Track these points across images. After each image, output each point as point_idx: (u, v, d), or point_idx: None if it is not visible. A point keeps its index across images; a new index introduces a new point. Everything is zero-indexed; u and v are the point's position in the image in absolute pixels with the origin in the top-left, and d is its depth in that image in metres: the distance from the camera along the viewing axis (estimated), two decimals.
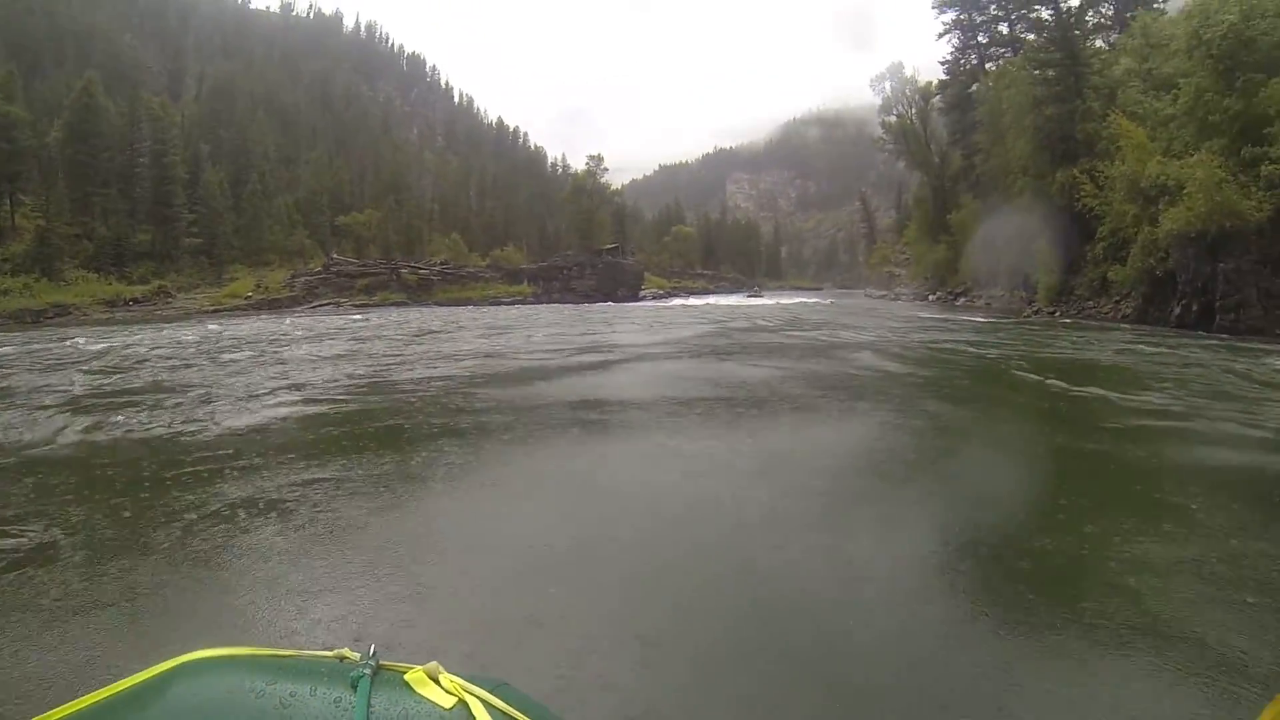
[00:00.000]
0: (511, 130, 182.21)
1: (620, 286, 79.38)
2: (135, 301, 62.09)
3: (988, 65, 56.94)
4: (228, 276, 73.52)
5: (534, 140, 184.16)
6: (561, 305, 64.55)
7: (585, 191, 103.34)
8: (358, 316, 46.93)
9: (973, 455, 8.80)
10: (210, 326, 34.72)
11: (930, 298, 62.30)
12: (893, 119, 71.09)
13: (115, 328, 36.43)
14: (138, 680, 1.07)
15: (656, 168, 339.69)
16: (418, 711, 1.05)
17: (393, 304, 66.57)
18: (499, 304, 67.26)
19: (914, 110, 69.76)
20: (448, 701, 1.08)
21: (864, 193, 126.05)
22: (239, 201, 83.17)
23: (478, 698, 1.11)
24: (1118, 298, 34.06)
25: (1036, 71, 41.70)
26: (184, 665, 1.11)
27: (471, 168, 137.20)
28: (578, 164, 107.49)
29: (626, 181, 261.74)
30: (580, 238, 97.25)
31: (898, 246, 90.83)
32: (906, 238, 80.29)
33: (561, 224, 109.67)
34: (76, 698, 1.01)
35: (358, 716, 1.02)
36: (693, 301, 71.96)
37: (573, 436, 9.34)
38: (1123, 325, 29.83)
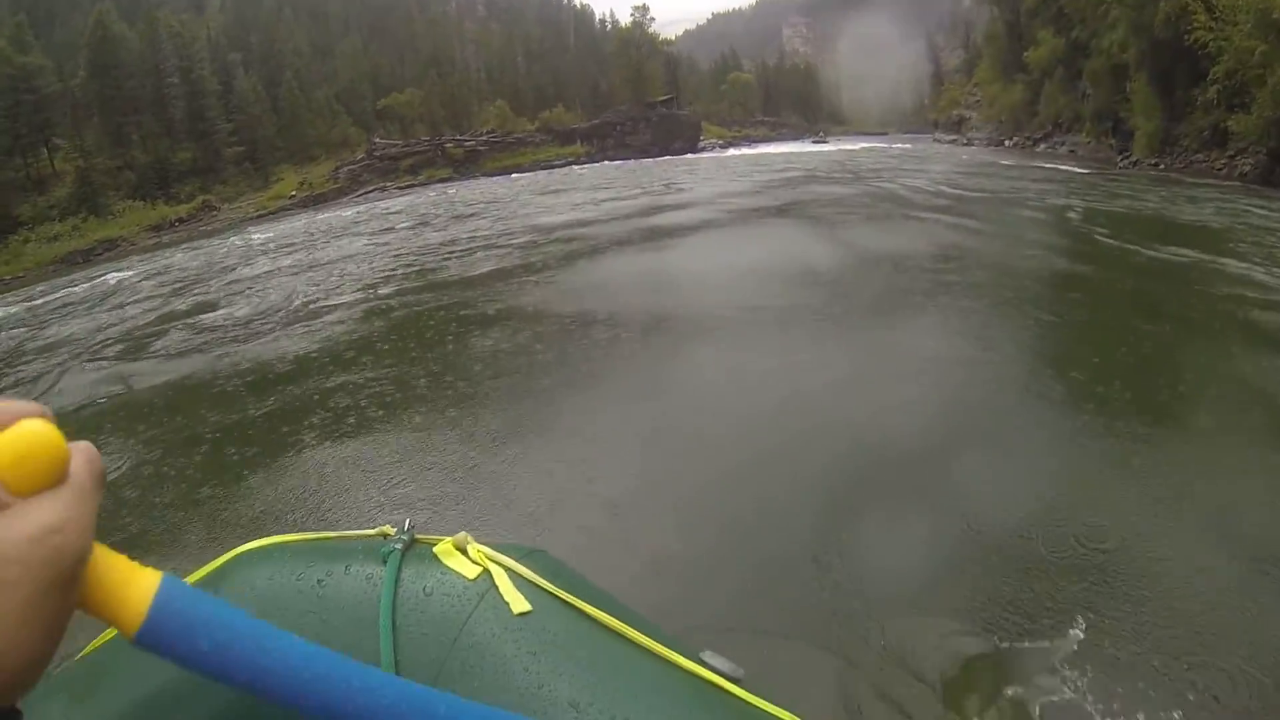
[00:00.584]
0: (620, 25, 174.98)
1: (677, 139, 75.23)
2: (181, 221, 60.56)
3: None
4: (274, 179, 71.58)
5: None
6: (617, 163, 60.93)
7: (633, 44, 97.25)
8: (397, 202, 44.32)
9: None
10: (253, 236, 34.26)
11: (1007, 143, 56.75)
12: None
13: (158, 253, 36.21)
14: (195, 578, 1.17)
15: (709, 16, 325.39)
16: (442, 581, 1.12)
17: (439, 180, 63.50)
18: (551, 167, 63.79)
19: None
20: (472, 571, 1.14)
21: (930, 31, 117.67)
22: (276, 103, 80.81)
23: (502, 566, 1.17)
24: (1234, 152, 29.03)
25: None
26: (238, 557, 1.20)
27: (515, 33, 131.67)
28: (625, 18, 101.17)
29: (680, 33, 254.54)
30: (633, 92, 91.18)
31: (967, 89, 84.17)
32: (977, 78, 74.26)
33: (615, 81, 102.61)
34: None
35: (384, 590, 1.09)
36: (754, 150, 67.61)
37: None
38: (1248, 185, 24.96)
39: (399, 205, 39.56)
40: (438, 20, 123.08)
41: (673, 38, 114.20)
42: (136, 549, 3.28)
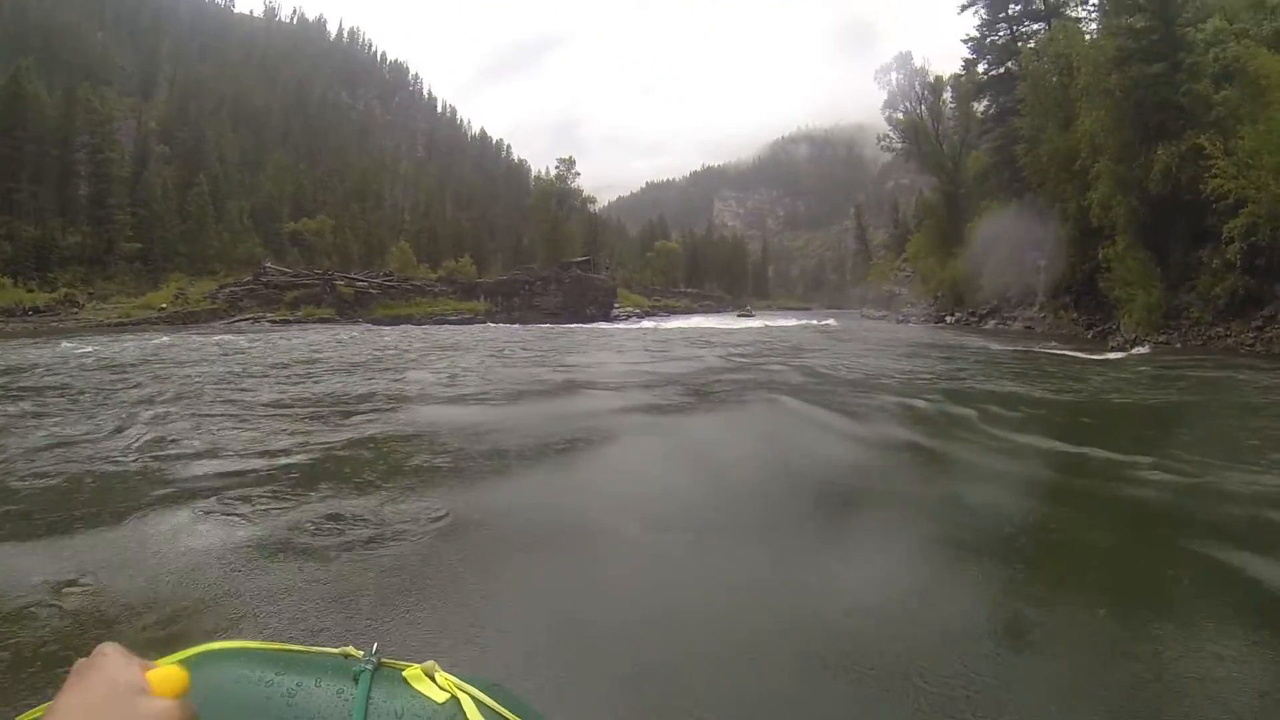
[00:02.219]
0: (495, 142, 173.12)
1: (589, 304, 67.67)
2: (35, 311, 52.54)
3: (1020, 44, 45.86)
4: (163, 285, 63.32)
5: (518, 154, 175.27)
6: (516, 326, 53.53)
7: (553, 197, 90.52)
8: (267, 338, 36.45)
9: None
10: (75, 348, 25.63)
11: (948, 319, 50.88)
12: (899, 115, 59.91)
13: None
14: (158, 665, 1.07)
15: (644, 185, 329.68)
16: (413, 705, 1.10)
17: (317, 320, 55.58)
18: (444, 322, 56.03)
19: (924, 106, 58.66)
20: (441, 697, 1.12)
21: (858, 206, 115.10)
22: (183, 206, 73.99)
23: (470, 695, 1.15)
24: (1261, 321, 22.93)
25: (1118, 20, 30.19)
26: (202, 655, 1.15)
27: (448, 178, 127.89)
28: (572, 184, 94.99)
29: (614, 199, 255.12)
30: (548, 249, 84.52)
31: (896, 264, 79.53)
32: (910, 252, 69.40)
33: (534, 235, 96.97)
34: None
35: (357, 707, 1.06)
36: (670, 324, 60.17)
37: None
38: None
39: (264, 342, 32.05)
40: (371, 152, 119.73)
41: (596, 199, 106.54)
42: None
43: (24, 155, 61.34)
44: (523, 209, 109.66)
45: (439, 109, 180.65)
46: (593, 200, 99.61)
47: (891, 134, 60.12)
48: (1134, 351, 23.93)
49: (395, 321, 55.48)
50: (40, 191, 62.54)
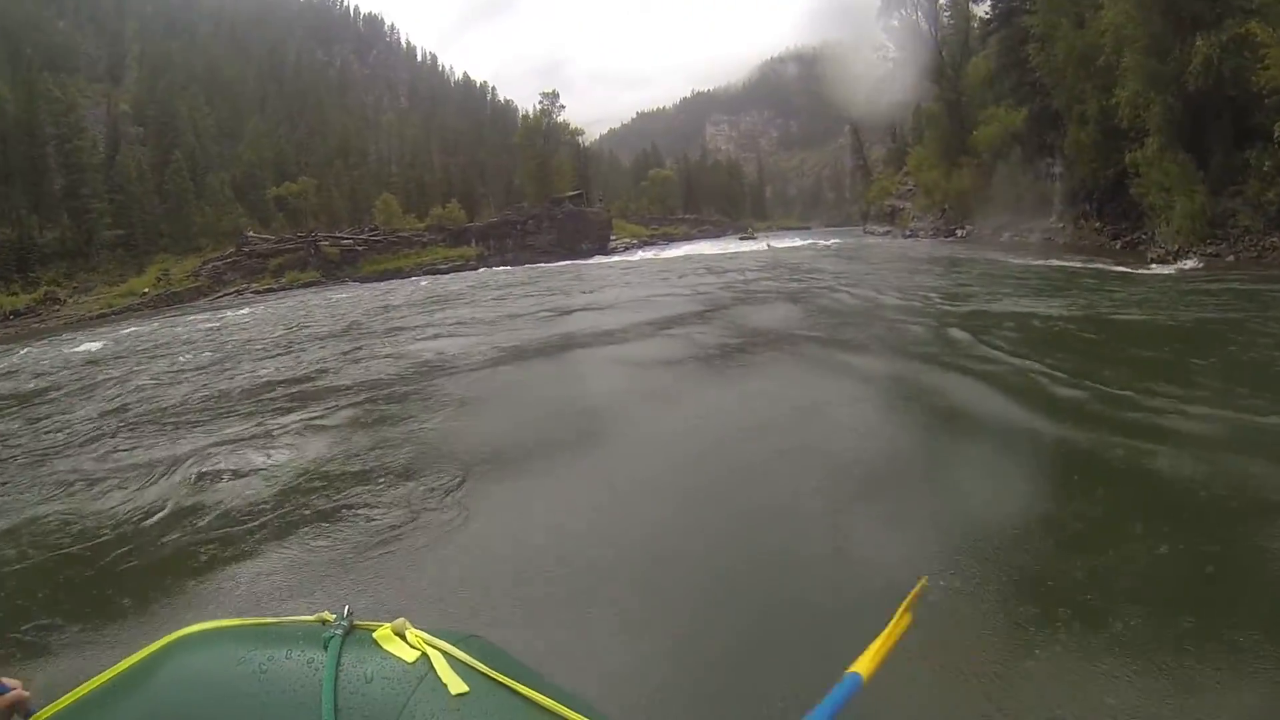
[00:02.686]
0: (479, 85, 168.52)
1: (584, 239, 65.33)
2: (16, 314, 51.01)
3: None
4: (149, 268, 61.30)
5: (504, 95, 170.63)
6: (510, 268, 51.32)
7: (539, 134, 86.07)
8: (244, 311, 34.37)
9: None
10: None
11: (958, 233, 48.22)
12: (895, 23, 56.47)
13: None
14: (133, 661, 1.16)
15: (634, 115, 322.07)
16: (382, 667, 1.11)
17: (303, 285, 53.56)
18: (435, 271, 53.95)
19: (920, 11, 55.23)
20: (411, 655, 1.14)
21: (854, 123, 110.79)
22: (161, 185, 71.07)
23: (440, 651, 1.17)
24: None
25: None
26: (174, 642, 1.18)
27: (432, 125, 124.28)
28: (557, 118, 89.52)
29: (605, 131, 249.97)
30: (538, 187, 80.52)
31: (897, 179, 76.22)
32: (911, 165, 66.36)
33: (522, 175, 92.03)
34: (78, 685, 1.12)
35: (326, 675, 1.07)
36: (671, 252, 57.57)
37: None
38: None
39: (244, 316, 30.05)
40: (351, 108, 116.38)
41: (585, 131, 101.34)
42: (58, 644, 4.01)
43: None
44: (511, 150, 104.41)
45: (419, 58, 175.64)
46: (580, 133, 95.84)
47: (888, 43, 56.83)
48: (1183, 266, 21.31)
49: (384, 277, 53.62)
50: (11, 191, 60.25)
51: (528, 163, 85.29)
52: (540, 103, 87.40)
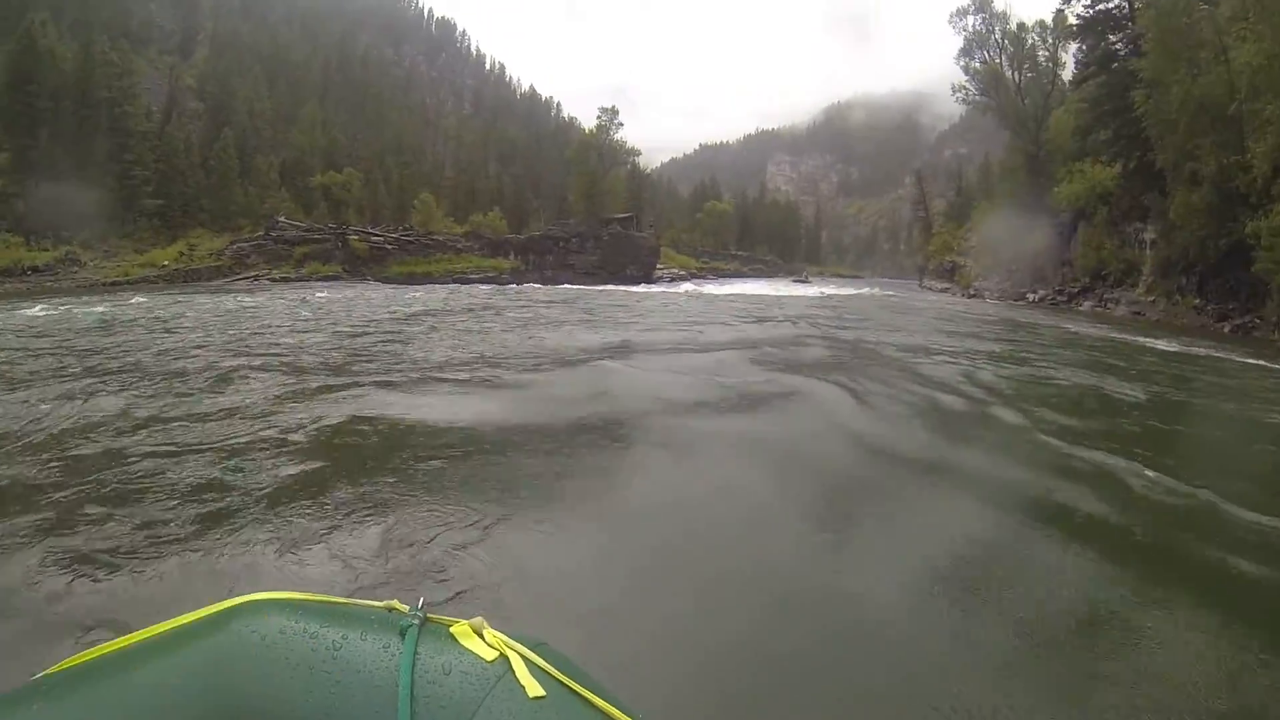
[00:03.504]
0: (545, 99, 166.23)
1: (630, 264, 61.14)
2: (34, 270, 48.73)
3: None
4: (178, 242, 58.56)
5: (568, 112, 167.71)
6: (544, 286, 47.44)
7: (594, 149, 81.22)
8: (252, 299, 30.73)
9: None
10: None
11: (1030, 297, 43.74)
12: (977, 64, 52.30)
13: None
14: (201, 615, 1.15)
15: (697, 147, 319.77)
16: (461, 662, 1.10)
17: (323, 278, 50.22)
18: (466, 280, 50.25)
19: (1004, 55, 51.07)
20: (490, 655, 1.11)
21: (919, 171, 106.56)
22: (207, 160, 68.68)
23: (519, 654, 1.14)
24: None
25: None
26: (245, 605, 1.16)
27: (491, 133, 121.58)
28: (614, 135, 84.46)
29: (665, 160, 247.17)
30: (588, 205, 75.92)
31: (960, 233, 71.83)
32: (976, 220, 62.17)
33: (574, 191, 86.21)
34: (144, 627, 1.10)
35: (404, 662, 1.06)
36: (718, 288, 53.43)
37: None
38: None
39: (249, 303, 26.79)
40: (412, 107, 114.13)
41: (641, 152, 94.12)
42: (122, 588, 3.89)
43: (37, 111, 57.18)
44: (568, 165, 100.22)
45: (487, 66, 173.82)
46: (637, 153, 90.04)
47: (968, 84, 52.72)
48: None
49: (411, 280, 49.67)
50: (55, 148, 57.74)
51: (580, 179, 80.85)
52: (599, 118, 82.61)
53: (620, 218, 68.59)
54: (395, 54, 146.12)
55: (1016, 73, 50.66)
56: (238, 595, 1.14)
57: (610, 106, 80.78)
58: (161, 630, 1.07)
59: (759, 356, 13.73)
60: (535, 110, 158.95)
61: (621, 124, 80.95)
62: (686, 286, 54.42)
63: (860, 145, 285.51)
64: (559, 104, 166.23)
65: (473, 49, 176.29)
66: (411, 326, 18.12)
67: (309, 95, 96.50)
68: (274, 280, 49.20)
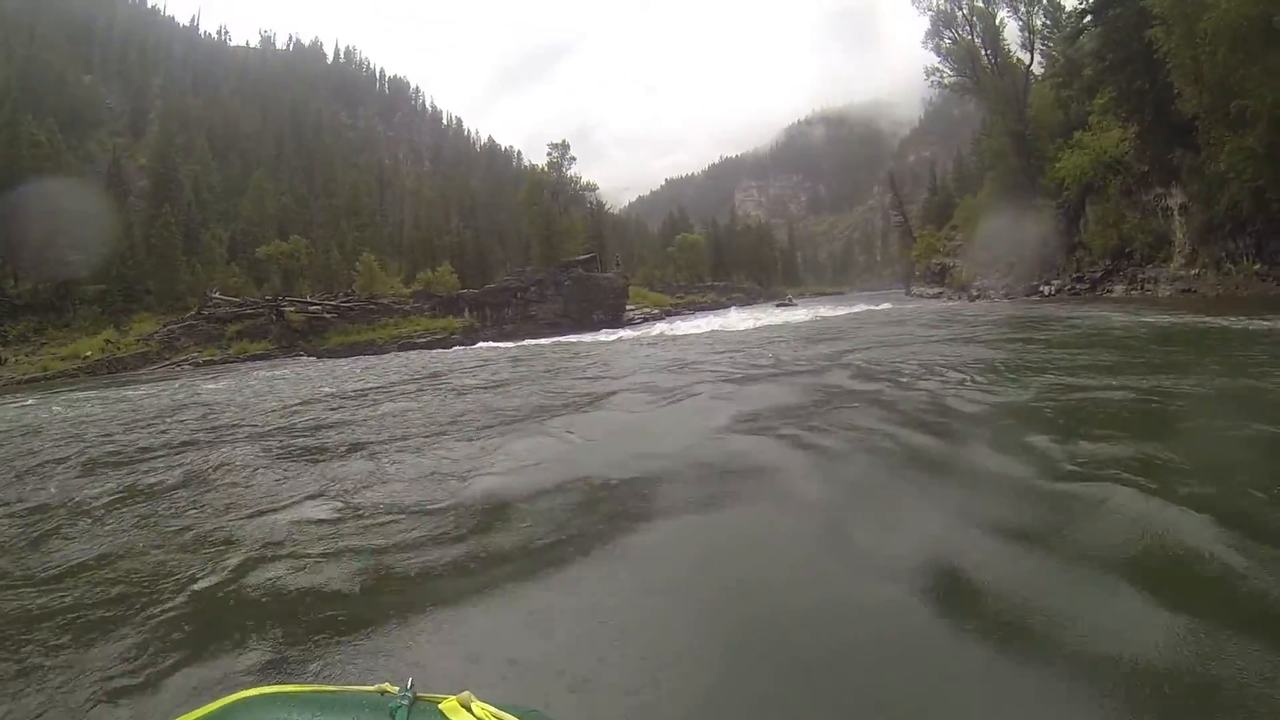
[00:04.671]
0: (505, 150, 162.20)
1: (595, 309, 54.70)
2: None
3: None
4: (105, 331, 53.41)
5: (529, 160, 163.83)
6: (500, 344, 40.76)
7: (546, 188, 73.30)
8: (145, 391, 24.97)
9: None
10: None
11: (1043, 290, 37.72)
12: (946, 43, 46.84)
13: None
14: (195, 717, 1.11)
15: (663, 182, 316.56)
16: None
17: (251, 357, 44.45)
18: (411, 346, 44.21)
19: (978, 29, 45.58)
20: None
21: (892, 174, 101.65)
22: (148, 239, 65.21)
23: None
24: None
25: None
26: (237, 703, 1.14)
27: (452, 189, 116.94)
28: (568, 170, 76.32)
29: (634, 198, 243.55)
30: (544, 249, 68.48)
31: (942, 233, 66.23)
32: (961, 216, 56.99)
33: (530, 236, 78.84)
34: None
35: None
36: (692, 325, 44.01)
37: None
38: None
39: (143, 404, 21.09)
40: (366, 167, 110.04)
41: (598, 186, 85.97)
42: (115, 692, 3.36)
43: None
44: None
45: (444, 121, 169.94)
46: (594, 188, 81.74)
47: (941, 66, 47.39)
48: None
49: (353, 351, 43.43)
50: None
51: (534, 222, 72.87)
52: (549, 154, 75.11)
53: (581, 259, 62.52)
54: (350, 117, 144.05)
55: (991, 50, 45.40)
56: (228, 694, 1.12)
57: (561, 141, 73.57)
58: None
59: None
60: (495, 161, 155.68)
61: (574, 158, 73.65)
62: (660, 328, 46.95)
63: (825, 161, 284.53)
64: (519, 152, 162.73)
65: (428, 104, 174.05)
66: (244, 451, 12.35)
67: (262, 164, 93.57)
68: (197, 365, 43.60)
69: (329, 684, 1.20)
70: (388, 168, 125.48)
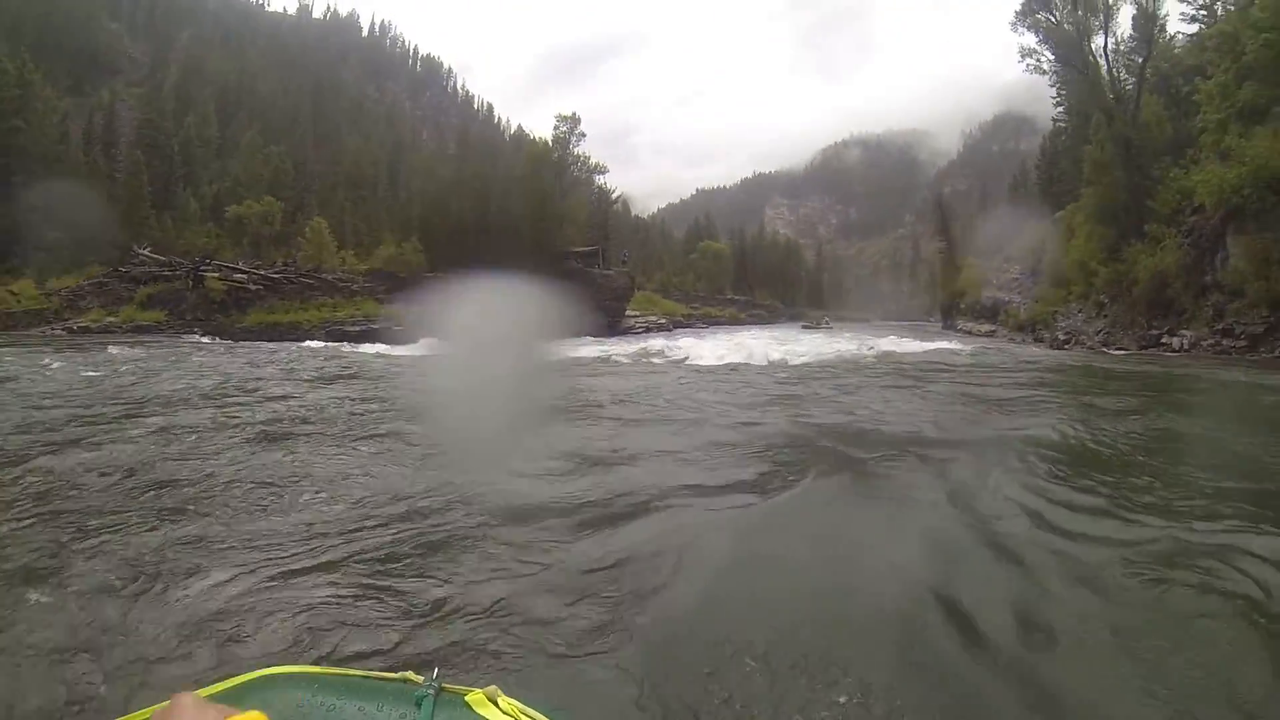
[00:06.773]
0: (535, 140, 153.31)
1: (592, 310, 44.33)
2: None
3: None
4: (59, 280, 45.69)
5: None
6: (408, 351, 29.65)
7: (547, 166, 61.46)
8: None
9: None
10: None
11: (1175, 343, 25.81)
12: (1042, 19, 36.06)
13: None
14: (218, 689, 1.13)
15: (694, 192, 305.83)
16: None
17: (135, 328, 34.96)
18: (344, 335, 34.11)
19: (1081, 10, 35.08)
20: None
21: (940, 197, 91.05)
22: (111, 191, 58.47)
23: None
24: None
25: None
26: (261, 679, 1.15)
27: (465, 172, 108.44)
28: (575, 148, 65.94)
29: (663, 205, 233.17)
30: (536, 234, 54.53)
31: (995, 262, 55.49)
32: (1036, 241, 46.65)
33: (527, 219, 60.50)
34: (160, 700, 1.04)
35: None
36: (694, 348, 29.50)
37: None
38: None
39: None
40: (381, 141, 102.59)
41: (608, 169, 74.10)
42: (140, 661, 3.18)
43: None
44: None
45: (475, 106, 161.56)
46: (603, 170, 69.20)
47: (1037, 46, 36.72)
48: None
49: (271, 334, 33.32)
50: None
51: (529, 199, 59.95)
52: (556, 128, 64.47)
53: (581, 252, 51.89)
54: (378, 91, 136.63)
55: (1094, 35, 34.85)
56: (254, 669, 1.12)
57: (570, 114, 63.66)
58: None
59: None
60: (522, 150, 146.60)
61: (584, 134, 63.79)
62: (655, 341, 36.07)
63: (858, 185, 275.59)
64: (547, 143, 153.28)
65: (459, 88, 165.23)
66: None
67: (270, 126, 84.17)
68: (72, 331, 33.92)
69: (353, 668, 1.20)
70: (407, 145, 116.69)
